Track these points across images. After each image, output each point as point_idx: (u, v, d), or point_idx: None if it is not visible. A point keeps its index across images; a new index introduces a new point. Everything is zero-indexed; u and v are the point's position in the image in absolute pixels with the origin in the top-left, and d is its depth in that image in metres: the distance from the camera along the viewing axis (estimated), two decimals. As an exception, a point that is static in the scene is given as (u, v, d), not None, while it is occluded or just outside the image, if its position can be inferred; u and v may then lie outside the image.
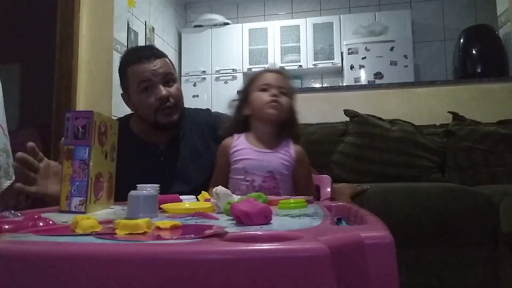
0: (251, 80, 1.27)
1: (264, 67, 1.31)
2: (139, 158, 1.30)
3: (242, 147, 1.21)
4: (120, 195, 0.86)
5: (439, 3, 4.65)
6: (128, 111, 1.44)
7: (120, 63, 1.33)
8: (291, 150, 1.21)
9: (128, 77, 1.27)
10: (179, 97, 1.30)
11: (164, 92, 1.24)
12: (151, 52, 1.28)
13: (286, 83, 1.25)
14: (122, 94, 1.35)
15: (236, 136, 1.25)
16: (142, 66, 1.24)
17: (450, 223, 1.45)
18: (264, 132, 1.23)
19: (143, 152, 1.31)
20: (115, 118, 1.13)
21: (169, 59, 1.33)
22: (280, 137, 1.24)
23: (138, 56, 1.26)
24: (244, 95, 1.27)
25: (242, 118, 1.26)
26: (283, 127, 1.24)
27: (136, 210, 0.64)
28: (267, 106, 1.18)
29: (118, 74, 1.36)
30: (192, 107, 1.47)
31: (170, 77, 1.28)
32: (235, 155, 1.20)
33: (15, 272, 0.38)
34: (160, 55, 1.29)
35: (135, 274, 0.36)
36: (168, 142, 1.34)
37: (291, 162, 1.20)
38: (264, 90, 1.21)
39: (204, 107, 1.51)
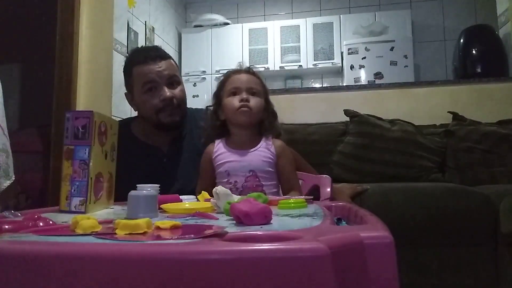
0: (222, 83, 1.26)
1: (237, 68, 1.28)
2: (142, 160, 1.30)
3: (223, 151, 1.21)
4: (123, 198, 0.86)
5: (439, 3, 4.64)
6: (128, 110, 1.44)
7: (125, 63, 1.33)
8: (271, 146, 1.21)
9: (133, 77, 1.28)
10: (182, 99, 1.31)
11: (168, 93, 1.25)
12: (156, 54, 1.29)
13: (256, 82, 1.23)
14: (125, 94, 1.35)
15: (216, 142, 1.24)
16: (147, 67, 1.25)
17: (450, 223, 1.45)
18: (240, 134, 1.22)
19: (145, 154, 1.32)
20: (115, 118, 1.13)
21: (174, 61, 1.34)
22: (260, 135, 1.23)
23: (143, 57, 1.27)
24: (218, 99, 1.26)
25: (219, 123, 1.25)
26: (260, 126, 1.23)
27: (136, 210, 0.64)
28: (237, 113, 1.17)
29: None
30: (193, 107, 1.48)
31: (174, 79, 1.29)
32: (217, 160, 1.20)
33: (15, 272, 0.38)
34: (165, 56, 1.30)
35: (135, 274, 0.36)
36: (170, 143, 1.34)
37: (272, 158, 1.19)
38: (234, 93, 1.20)
39: (199, 107, 1.52)
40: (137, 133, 1.36)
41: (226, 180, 1.17)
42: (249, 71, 1.26)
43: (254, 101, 1.19)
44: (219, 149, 1.22)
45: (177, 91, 1.28)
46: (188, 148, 1.34)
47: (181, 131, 1.36)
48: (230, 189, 1.13)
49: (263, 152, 1.20)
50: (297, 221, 0.59)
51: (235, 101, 1.18)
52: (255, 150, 1.20)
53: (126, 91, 1.36)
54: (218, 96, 1.26)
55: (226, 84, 1.23)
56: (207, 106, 1.31)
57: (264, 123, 1.23)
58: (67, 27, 2.34)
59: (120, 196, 0.94)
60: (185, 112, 1.34)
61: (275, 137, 1.24)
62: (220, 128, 1.25)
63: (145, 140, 1.34)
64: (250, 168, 1.17)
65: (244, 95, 1.18)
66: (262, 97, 1.22)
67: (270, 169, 1.19)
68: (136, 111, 1.37)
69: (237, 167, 1.17)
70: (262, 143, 1.21)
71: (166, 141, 1.34)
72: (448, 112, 2.18)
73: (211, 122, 1.27)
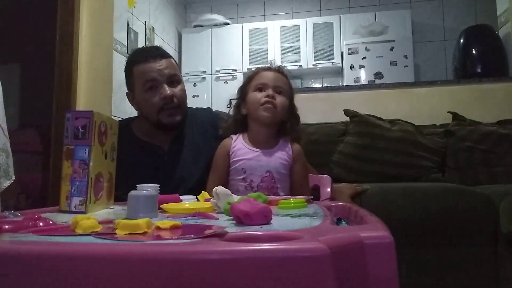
0: (249, 78, 1.26)
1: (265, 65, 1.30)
2: (143, 159, 1.31)
3: (241, 147, 1.20)
4: (124, 197, 0.86)
5: (439, 3, 4.65)
6: (128, 110, 1.45)
7: (126, 62, 1.34)
8: (289, 149, 1.21)
9: (134, 75, 1.29)
10: (183, 98, 1.31)
11: (168, 91, 1.25)
12: (157, 52, 1.30)
13: (284, 81, 1.23)
14: (126, 93, 1.36)
15: (234, 137, 1.24)
16: (148, 65, 1.26)
17: (450, 223, 1.45)
18: (260, 132, 1.22)
19: (146, 153, 1.33)
20: (115, 118, 1.14)
21: (175, 60, 1.34)
22: (279, 136, 1.23)
23: (144, 56, 1.28)
24: (242, 93, 1.26)
25: (241, 117, 1.25)
26: (281, 127, 1.23)
27: (136, 210, 0.64)
28: (261, 108, 1.17)
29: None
30: (193, 107, 1.48)
31: (175, 78, 1.29)
32: (234, 155, 1.20)
33: (15, 272, 0.38)
34: (166, 55, 1.31)
35: (135, 274, 0.36)
36: (171, 142, 1.35)
37: (289, 161, 1.19)
38: (260, 89, 1.20)
39: (201, 107, 1.53)
40: (138, 132, 1.36)
41: (242, 177, 1.17)
42: (279, 70, 1.26)
43: (279, 100, 1.19)
44: (237, 144, 1.21)
45: (177, 90, 1.29)
46: (189, 147, 1.34)
47: (182, 130, 1.36)
48: (245, 188, 1.14)
49: (281, 153, 1.19)
50: (297, 221, 0.59)
51: (260, 96, 1.18)
52: (273, 150, 1.19)
53: (127, 91, 1.36)
54: (243, 90, 1.26)
55: (253, 79, 1.24)
56: (233, 98, 1.30)
57: (285, 125, 1.22)
58: (67, 27, 2.34)
59: (121, 195, 0.95)
60: (186, 112, 1.34)
61: (293, 140, 1.24)
62: (240, 123, 1.25)
63: (145, 139, 1.35)
64: (268, 169, 1.16)
65: (270, 92, 1.18)
66: (288, 98, 1.22)
67: (286, 171, 1.19)
68: (137, 111, 1.37)
69: (255, 166, 1.17)
70: (281, 145, 1.21)
71: (167, 140, 1.35)
72: (448, 112, 2.18)
73: (232, 115, 1.27)
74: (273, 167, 1.17)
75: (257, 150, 1.19)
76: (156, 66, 1.25)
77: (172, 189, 1.24)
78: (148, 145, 1.34)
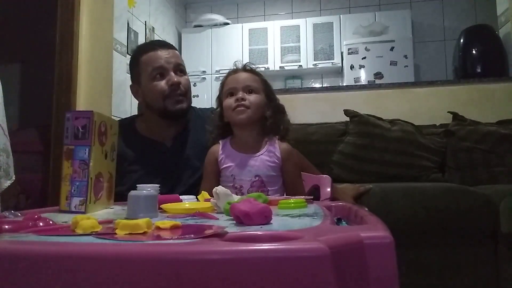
0: (221, 85, 1.27)
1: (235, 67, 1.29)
2: (145, 156, 1.32)
3: (228, 154, 1.20)
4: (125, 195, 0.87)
5: (439, 3, 4.65)
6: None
7: (133, 55, 1.37)
8: (276, 150, 1.19)
9: (141, 65, 1.31)
10: (189, 87, 1.35)
11: (175, 78, 1.28)
12: (164, 43, 1.36)
13: (254, 79, 1.22)
14: (130, 86, 1.39)
15: (221, 142, 1.23)
16: (156, 53, 1.29)
17: (450, 223, 1.45)
18: (244, 136, 1.21)
19: (148, 149, 1.34)
20: (115, 118, 1.14)
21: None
22: (264, 136, 1.22)
23: (152, 45, 1.34)
24: (220, 101, 1.26)
25: (223, 124, 1.25)
26: (264, 124, 1.21)
27: (136, 210, 0.64)
28: (233, 113, 1.17)
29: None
30: (197, 107, 1.50)
31: (181, 68, 1.33)
32: (222, 163, 1.19)
33: (15, 272, 0.38)
34: (172, 47, 1.36)
35: (135, 274, 0.36)
36: (173, 139, 1.35)
37: (277, 162, 1.18)
38: (231, 94, 1.20)
39: (204, 107, 1.54)
40: (141, 129, 1.38)
41: (231, 184, 1.16)
42: (246, 69, 1.26)
43: (251, 98, 1.18)
44: (224, 151, 1.21)
45: (183, 79, 1.32)
46: (191, 144, 1.35)
47: (186, 126, 1.37)
48: (236, 193, 1.14)
49: (268, 157, 1.18)
50: (297, 221, 0.59)
51: (231, 102, 1.18)
52: (260, 154, 1.18)
53: (131, 84, 1.38)
54: (220, 98, 1.26)
55: (224, 86, 1.25)
56: (213, 109, 1.33)
57: (267, 120, 1.20)
58: (67, 27, 2.33)
59: (122, 191, 0.95)
60: (191, 102, 1.37)
61: (281, 137, 1.22)
62: (224, 129, 1.25)
63: (148, 136, 1.36)
64: (256, 173, 1.16)
65: (239, 95, 1.18)
66: (262, 94, 1.21)
67: (275, 173, 1.18)
68: (142, 103, 1.38)
69: (243, 171, 1.16)
70: (267, 147, 1.20)
71: (169, 136, 1.36)
72: (448, 112, 2.18)
73: (217, 124, 1.27)
74: (261, 171, 1.16)
75: (244, 154, 1.18)
76: (163, 54, 1.29)
77: (173, 185, 1.25)
78: (151, 142, 1.35)
